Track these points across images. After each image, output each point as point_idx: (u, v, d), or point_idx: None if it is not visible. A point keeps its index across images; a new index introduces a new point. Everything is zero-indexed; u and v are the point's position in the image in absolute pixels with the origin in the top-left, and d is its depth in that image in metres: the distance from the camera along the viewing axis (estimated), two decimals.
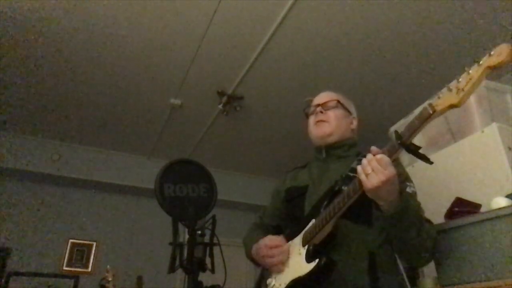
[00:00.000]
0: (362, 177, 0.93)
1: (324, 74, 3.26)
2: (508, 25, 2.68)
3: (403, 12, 2.63)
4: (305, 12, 2.63)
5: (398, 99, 3.50)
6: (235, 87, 3.44)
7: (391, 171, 0.92)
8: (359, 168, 0.95)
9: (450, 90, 0.82)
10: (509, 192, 1.27)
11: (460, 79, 0.81)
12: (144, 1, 2.55)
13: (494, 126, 1.48)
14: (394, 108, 3.40)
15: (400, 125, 2.10)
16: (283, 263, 1.14)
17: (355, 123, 1.39)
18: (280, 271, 1.16)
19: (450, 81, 1.84)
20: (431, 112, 0.84)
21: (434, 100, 0.85)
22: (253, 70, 3.23)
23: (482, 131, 1.53)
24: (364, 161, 0.95)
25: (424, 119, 0.85)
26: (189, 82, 3.39)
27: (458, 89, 0.80)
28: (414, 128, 0.87)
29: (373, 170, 0.91)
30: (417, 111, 1.99)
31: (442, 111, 0.83)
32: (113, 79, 3.34)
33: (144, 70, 3.23)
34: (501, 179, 1.38)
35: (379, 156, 0.92)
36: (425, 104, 0.87)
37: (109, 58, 3.08)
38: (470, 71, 0.80)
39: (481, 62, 0.78)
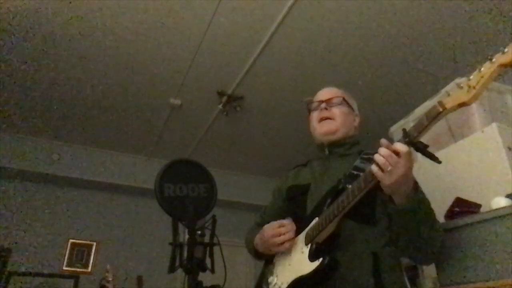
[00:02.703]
0: (380, 174, 0.89)
1: (324, 74, 3.26)
2: (509, 25, 2.68)
3: (403, 12, 2.63)
4: (305, 12, 2.63)
5: (398, 99, 3.50)
6: (235, 87, 3.44)
7: (411, 162, 0.89)
8: (374, 167, 0.91)
9: (460, 87, 0.80)
10: (509, 192, 1.27)
11: (471, 77, 0.79)
12: (144, 1, 2.55)
13: (494, 126, 1.48)
14: (394, 108, 3.39)
15: (400, 125, 2.10)
16: (292, 243, 1.13)
17: (357, 120, 1.37)
18: (283, 262, 1.15)
19: (450, 81, 1.84)
20: (440, 109, 0.82)
21: (443, 98, 0.83)
22: (253, 70, 3.23)
23: (482, 131, 1.53)
24: (380, 158, 0.89)
25: (433, 116, 0.83)
26: (189, 82, 3.39)
27: (469, 87, 0.78)
28: (423, 126, 0.85)
29: (393, 166, 0.87)
30: (417, 111, 1.99)
31: (452, 109, 0.81)
32: (113, 79, 3.34)
33: (144, 70, 3.23)
34: (501, 179, 1.38)
35: (400, 147, 0.87)
36: (435, 101, 0.85)
37: (109, 58, 3.08)
38: (482, 69, 0.77)
39: (493, 60, 0.76)
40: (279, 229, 1.15)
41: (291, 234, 1.13)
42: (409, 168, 0.89)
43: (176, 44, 2.94)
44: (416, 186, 0.97)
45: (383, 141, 0.92)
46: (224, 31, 2.82)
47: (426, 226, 0.98)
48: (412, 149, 0.88)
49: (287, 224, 1.15)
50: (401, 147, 0.87)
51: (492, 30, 2.74)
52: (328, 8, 2.61)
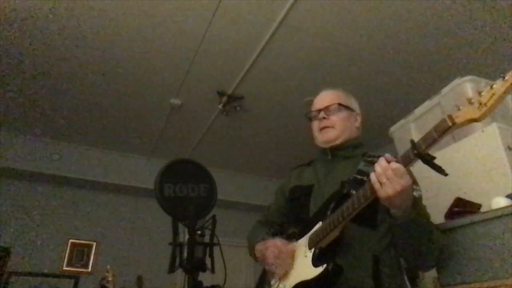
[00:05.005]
0: (377, 185, 0.91)
1: (324, 74, 3.26)
2: (509, 26, 2.68)
3: (403, 12, 2.63)
4: (305, 12, 2.63)
5: (398, 99, 3.50)
6: (235, 87, 3.44)
7: (407, 181, 0.90)
8: (372, 176, 0.93)
9: (471, 103, 0.79)
10: (509, 192, 1.27)
11: (482, 93, 0.78)
12: (144, 1, 2.55)
13: (494, 126, 1.48)
14: (394, 108, 3.39)
15: (400, 125, 2.10)
16: (286, 271, 1.13)
17: (359, 119, 1.37)
18: (283, 277, 1.16)
19: (450, 81, 1.84)
20: (450, 124, 0.82)
21: (453, 112, 0.82)
22: (253, 70, 3.23)
23: (482, 131, 1.53)
24: (379, 169, 0.92)
25: (443, 131, 0.83)
26: (189, 82, 3.39)
27: (480, 104, 0.78)
28: (432, 140, 0.85)
29: (388, 179, 0.90)
30: (417, 111, 1.99)
31: (462, 124, 0.81)
32: (113, 79, 3.34)
33: (144, 70, 3.23)
34: (501, 179, 1.38)
35: (394, 165, 0.90)
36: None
37: (109, 58, 3.08)
38: (494, 86, 0.77)
39: (506, 78, 0.75)
40: (277, 260, 1.14)
41: (282, 270, 1.13)
42: (405, 186, 0.90)
43: (176, 44, 2.94)
44: (414, 202, 0.98)
45: (387, 155, 0.94)
46: (224, 31, 2.82)
47: (423, 240, 0.99)
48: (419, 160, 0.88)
49: (286, 255, 1.14)
50: (393, 165, 0.90)
51: (492, 30, 2.74)
52: (328, 8, 2.61)
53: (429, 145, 0.86)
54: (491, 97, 0.77)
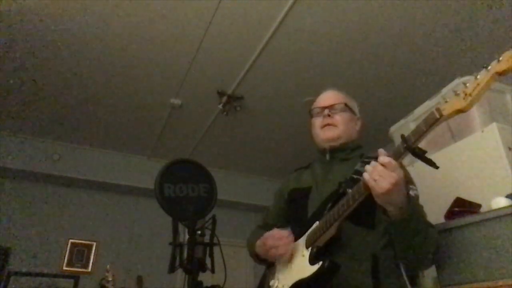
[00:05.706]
0: (371, 183, 0.92)
1: (323, 74, 3.26)
2: (508, 26, 2.68)
3: (403, 12, 2.63)
4: (305, 12, 2.64)
5: (398, 99, 3.50)
6: (235, 87, 3.44)
7: (398, 173, 0.91)
8: (365, 175, 0.94)
9: (457, 94, 0.82)
10: (509, 192, 1.26)
11: (467, 84, 0.81)
12: (144, 1, 2.55)
13: (494, 126, 1.48)
14: (394, 108, 3.39)
15: (400, 125, 2.10)
16: (288, 255, 1.14)
17: (359, 124, 1.38)
18: (284, 266, 1.16)
19: (450, 81, 1.84)
20: (438, 116, 0.84)
21: (441, 105, 0.84)
22: (253, 70, 3.23)
23: (482, 131, 1.53)
24: (369, 167, 0.93)
25: (431, 123, 0.85)
26: (189, 82, 3.39)
27: (466, 94, 0.80)
28: (421, 133, 0.86)
29: (380, 175, 0.90)
30: (417, 111, 1.99)
31: (449, 116, 0.83)
32: (113, 79, 3.35)
33: (144, 70, 3.23)
34: (501, 179, 1.38)
35: (385, 160, 0.91)
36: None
37: (109, 58, 3.08)
38: (478, 76, 0.79)
39: (489, 68, 0.78)
40: (278, 241, 1.15)
41: (289, 248, 1.14)
42: (397, 179, 0.90)
43: (176, 44, 2.94)
44: (409, 198, 0.98)
45: (380, 150, 0.94)
46: (224, 31, 2.82)
47: (419, 237, 0.99)
48: (410, 154, 0.89)
49: (285, 237, 1.15)
50: (385, 160, 0.91)
51: (492, 30, 2.74)
52: (328, 8, 2.61)
53: (418, 138, 0.87)
54: (475, 87, 0.79)
